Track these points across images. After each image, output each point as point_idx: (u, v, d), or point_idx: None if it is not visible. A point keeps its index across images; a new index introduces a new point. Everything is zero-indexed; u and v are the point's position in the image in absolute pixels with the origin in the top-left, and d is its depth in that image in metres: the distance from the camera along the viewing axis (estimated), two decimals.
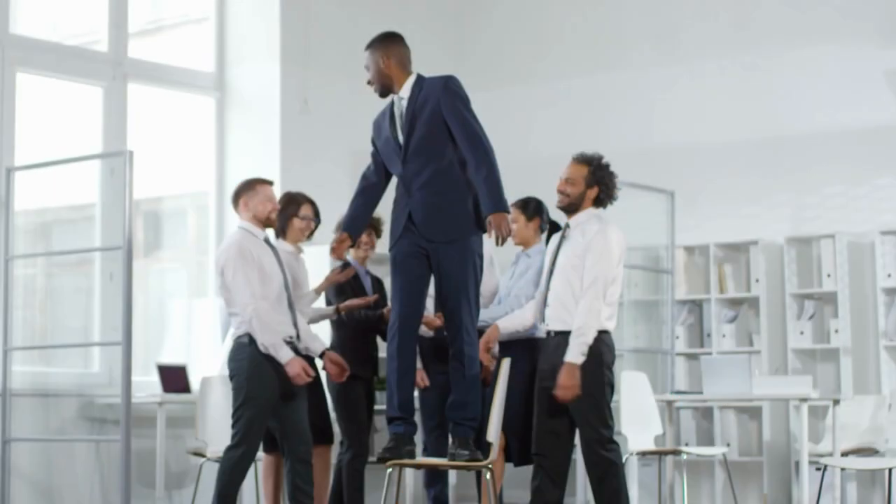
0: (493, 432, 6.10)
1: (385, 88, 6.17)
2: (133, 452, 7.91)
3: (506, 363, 6.23)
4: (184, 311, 9.57)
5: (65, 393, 8.47)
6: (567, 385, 6.08)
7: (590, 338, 6.06)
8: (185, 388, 8.53)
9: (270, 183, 6.83)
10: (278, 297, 6.60)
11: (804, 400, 7.92)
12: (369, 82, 6.25)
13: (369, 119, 9.62)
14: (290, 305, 6.66)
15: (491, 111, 10.23)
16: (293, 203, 7.22)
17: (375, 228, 7.48)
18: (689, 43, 10.09)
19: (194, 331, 9.44)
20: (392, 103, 6.24)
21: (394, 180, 6.30)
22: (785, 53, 9.70)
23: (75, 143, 8.89)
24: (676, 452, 8.22)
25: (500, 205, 5.88)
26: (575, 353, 6.07)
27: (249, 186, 6.72)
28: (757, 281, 9.45)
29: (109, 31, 9.13)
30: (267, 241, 6.70)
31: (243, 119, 9.61)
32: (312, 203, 7.28)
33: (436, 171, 6.03)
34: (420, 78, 6.17)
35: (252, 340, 6.55)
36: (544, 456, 6.30)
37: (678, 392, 8.84)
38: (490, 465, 6.08)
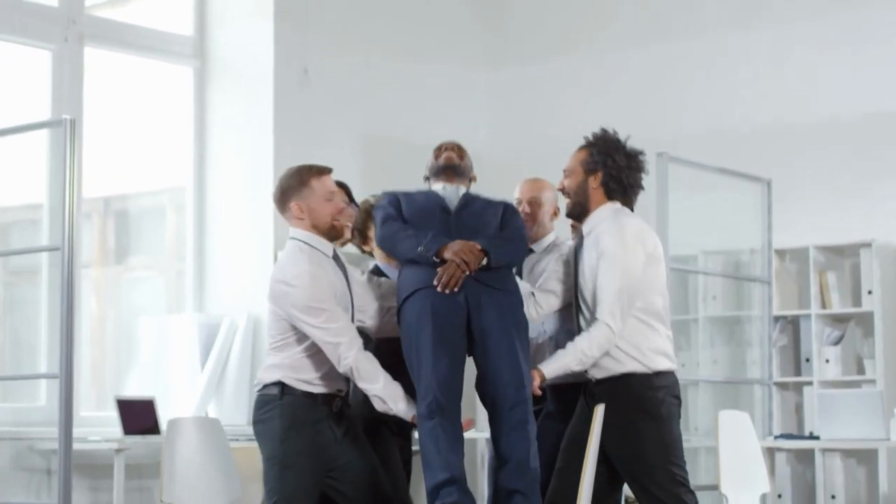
0: None
1: None
2: None
3: (599, 410, 4.76)
4: (155, 331, 8.32)
5: None
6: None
7: (575, 367, 4.91)
8: (152, 427, 7.34)
9: (328, 171, 5.12)
10: None
11: None
12: None
13: (381, 91, 8.22)
14: None
15: (532, 90, 9.22)
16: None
17: None
18: (777, 2, 8.87)
19: (167, 355, 8.21)
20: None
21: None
22: None
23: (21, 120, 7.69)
24: None
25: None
26: (552, 367, 4.94)
27: (301, 182, 5.06)
28: (870, 293, 8.17)
29: None
30: (337, 258, 5.06)
31: (229, 93, 8.49)
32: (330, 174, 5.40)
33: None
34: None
35: (287, 390, 4.94)
36: None
37: (784, 436, 7.10)
38: None
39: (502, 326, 4.86)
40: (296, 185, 5.01)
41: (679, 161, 7.05)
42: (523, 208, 5.39)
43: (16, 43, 7.75)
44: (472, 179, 5.32)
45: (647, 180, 7.11)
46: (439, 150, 5.29)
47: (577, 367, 4.88)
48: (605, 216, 5.03)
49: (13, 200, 8.09)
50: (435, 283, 4.84)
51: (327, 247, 5.02)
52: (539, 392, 4.91)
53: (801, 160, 8.50)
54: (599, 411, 4.72)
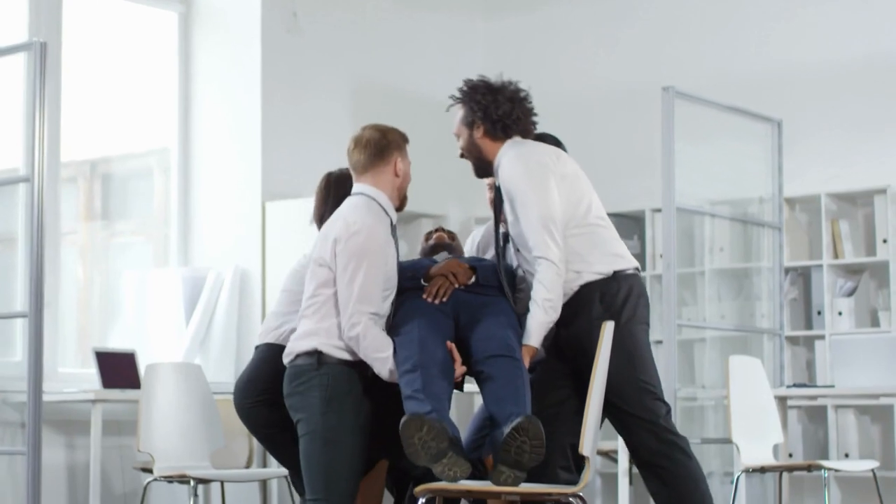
0: (589, 440, 4.09)
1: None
2: (63, 467, 6.80)
3: (608, 327, 4.38)
4: (138, 286, 7.96)
5: None
6: None
7: (549, 316, 4.60)
8: (133, 381, 6.90)
9: None
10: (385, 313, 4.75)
11: None
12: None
13: (374, 38, 7.86)
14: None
15: (532, 39, 9.28)
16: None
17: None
18: None
19: (151, 310, 7.82)
20: None
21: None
22: None
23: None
24: (813, 468, 6.11)
25: None
26: (533, 337, 4.63)
27: (403, 142, 4.91)
28: (884, 241, 7.76)
29: None
30: (395, 230, 4.82)
31: (215, 40, 8.12)
32: None
33: None
34: None
35: (324, 359, 4.64)
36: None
37: (798, 385, 6.78)
38: (580, 494, 4.19)
39: (493, 315, 4.66)
40: (401, 142, 4.85)
41: (685, 97, 6.70)
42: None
43: None
44: None
45: (653, 120, 6.86)
46: (429, 235, 5.26)
47: (551, 315, 4.59)
48: (502, 158, 4.79)
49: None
50: (425, 296, 4.65)
51: (394, 215, 4.79)
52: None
53: (811, 105, 8.09)
54: (608, 328, 4.36)
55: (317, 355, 4.62)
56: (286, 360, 4.73)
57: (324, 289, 4.67)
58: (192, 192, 7.99)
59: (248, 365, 5.14)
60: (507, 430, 4.22)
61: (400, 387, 4.48)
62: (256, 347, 5.13)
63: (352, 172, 4.88)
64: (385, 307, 4.69)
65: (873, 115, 7.96)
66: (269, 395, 4.88)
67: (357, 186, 4.83)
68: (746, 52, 8.36)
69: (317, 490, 4.57)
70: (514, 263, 4.90)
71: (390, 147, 4.81)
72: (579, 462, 4.63)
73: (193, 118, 8.05)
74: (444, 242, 5.21)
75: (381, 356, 4.57)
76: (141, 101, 8.21)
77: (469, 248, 5.46)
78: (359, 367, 4.63)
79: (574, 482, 4.47)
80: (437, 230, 5.28)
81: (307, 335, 4.66)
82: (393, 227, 4.78)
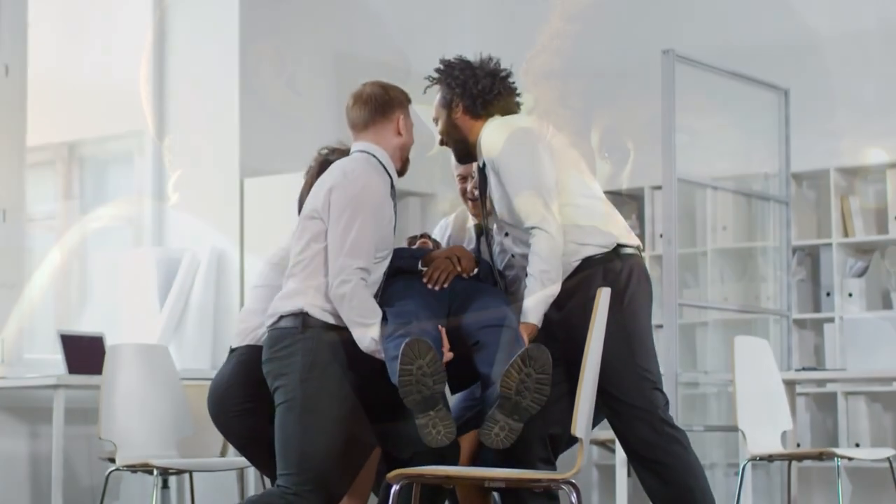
0: (583, 420, 3.74)
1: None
2: (26, 457, 6.53)
3: (604, 293, 3.98)
4: (110, 268, 7.75)
5: None
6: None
7: (547, 287, 4.29)
8: (101, 366, 6.34)
9: None
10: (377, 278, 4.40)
11: None
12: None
13: (356, 8, 7.45)
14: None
15: (529, 6, 8.37)
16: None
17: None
18: None
19: (123, 293, 7.54)
20: None
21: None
22: None
23: None
24: (825, 456, 5.74)
25: None
26: (533, 313, 4.31)
27: (406, 101, 4.62)
28: None
29: None
30: (395, 193, 4.47)
31: (191, 10, 7.78)
32: None
33: None
34: None
35: (309, 322, 4.27)
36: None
37: (807, 369, 6.43)
38: (573, 481, 3.80)
39: (488, 295, 4.37)
40: (403, 100, 4.54)
41: (686, 61, 6.34)
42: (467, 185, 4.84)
43: None
44: None
45: (653, 95, 6.51)
46: (413, 240, 4.99)
47: (549, 288, 4.27)
48: (483, 132, 4.50)
49: None
50: (425, 279, 4.33)
51: (395, 176, 4.45)
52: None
53: (819, 75, 7.73)
54: (604, 294, 3.98)
55: (302, 317, 4.25)
56: (268, 322, 4.34)
57: (314, 243, 4.31)
58: (167, 168, 7.67)
59: (223, 370, 4.64)
60: (511, 359, 3.84)
61: (385, 351, 4.09)
62: (232, 350, 4.65)
63: (351, 132, 4.53)
64: (377, 272, 4.34)
65: (885, 86, 7.61)
66: (253, 403, 4.45)
67: (356, 144, 4.48)
68: (753, 23, 7.99)
69: (289, 464, 4.17)
70: (502, 259, 4.57)
71: (392, 103, 4.49)
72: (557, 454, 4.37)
73: (169, 91, 7.75)
74: (428, 249, 4.87)
75: (365, 322, 4.21)
76: (116, 78, 7.92)
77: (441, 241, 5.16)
78: (347, 333, 4.25)
79: None
80: (421, 236, 4.95)
81: (293, 294, 4.29)
82: (393, 189, 4.44)
